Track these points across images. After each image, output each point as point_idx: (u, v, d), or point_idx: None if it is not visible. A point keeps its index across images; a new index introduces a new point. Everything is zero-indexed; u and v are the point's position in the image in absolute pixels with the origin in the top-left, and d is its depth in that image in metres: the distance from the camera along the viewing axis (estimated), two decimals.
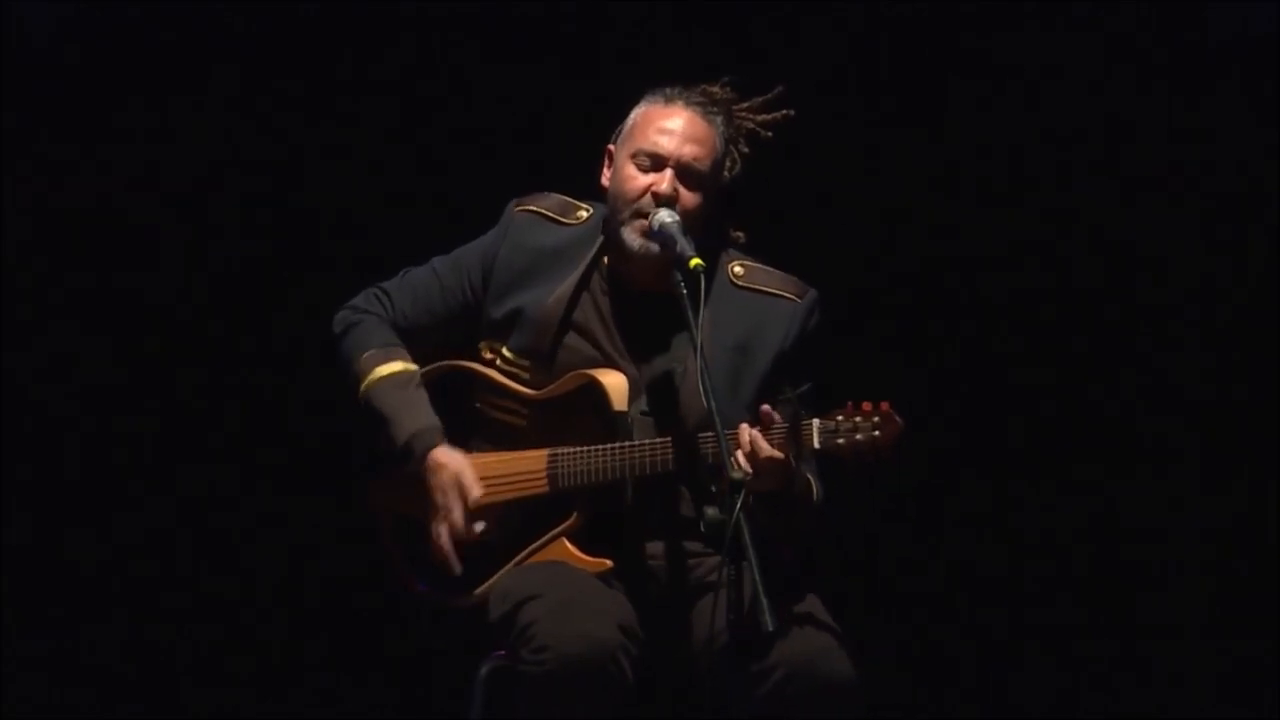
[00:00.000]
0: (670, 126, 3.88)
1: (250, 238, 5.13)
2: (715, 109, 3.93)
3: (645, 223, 3.83)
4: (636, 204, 3.85)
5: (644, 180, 3.86)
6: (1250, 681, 5.04)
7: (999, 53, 5.08)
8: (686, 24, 5.04)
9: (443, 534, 3.86)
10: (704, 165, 3.88)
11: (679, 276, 3.72)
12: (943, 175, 5.11)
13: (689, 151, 3.87)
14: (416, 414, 3.90)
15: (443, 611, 3.95)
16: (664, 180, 3.85)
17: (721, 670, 3.72)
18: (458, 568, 3.85)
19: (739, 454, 3.67)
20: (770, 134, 3.99)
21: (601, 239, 3.96)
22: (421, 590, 3.96)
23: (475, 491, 3.84)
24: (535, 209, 4.01)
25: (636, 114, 3.94)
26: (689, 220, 3.83)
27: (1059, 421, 5.12)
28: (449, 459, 3.87)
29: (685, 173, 3.87)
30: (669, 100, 3.91)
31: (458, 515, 3.84)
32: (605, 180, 3.95)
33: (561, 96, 5.05)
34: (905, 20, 5.08)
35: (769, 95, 4.00)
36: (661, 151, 3.86)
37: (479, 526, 3.86)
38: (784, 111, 4.00)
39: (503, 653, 3.78)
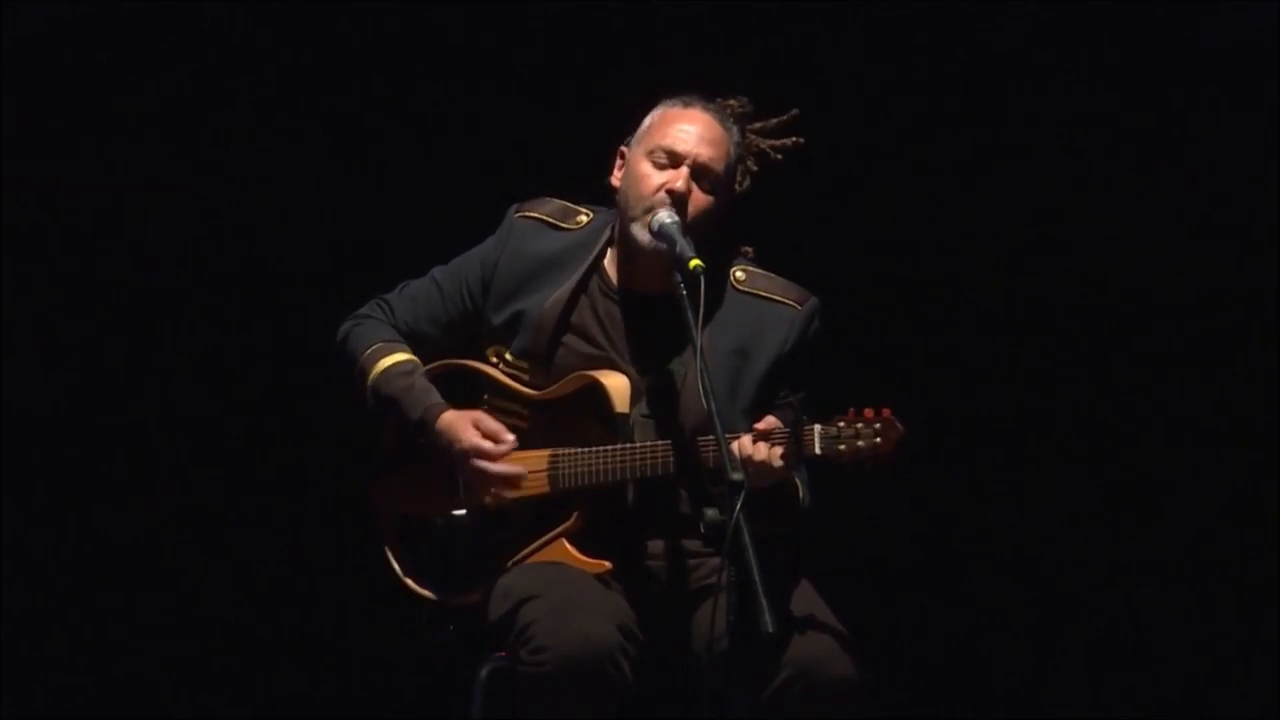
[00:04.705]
0: (688, 127, 3.89)
1: (249, 237, 5.13)
2: (731, 119, 3.94)
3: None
4: (649, 200, 3.85)
5: (659, 178, 3.86)
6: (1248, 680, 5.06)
7: (998, 53, 5.08)
8: (687, 25, 5.04)
9: (481, 464, 3.84)
10: (719, 167, 3.89)
11: (679, 277, 3.72)
12: (941, 175, 5.11)
13: (705, 152, 3.88)
14: (427, 394, 3.91)
15: (443, 611, 3.96)
16: (679, 177, 3.86)
17: (723, 671, 3.72)
18: (524, 471, 3.84)
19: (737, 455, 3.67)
20: (780, 157, 4.00)
21: (602, 243, 3.96)
22: (421, 590, 3.96)
23: (507, 435, 3.84)
24: (535, 215, 4.01)
25: (654, 115, 3.95)
26: (698, 221, 3.84)
27: (1058, 422, 5.14)
28: (463, 413, 3.88)
29: (700, 173, 3.87)
30: (687, 104, 3.93)
31: (486, 445, 3.83)
32: (615, 180, 3.95)
33: (561, 97, 5.05)
34: (905, 20, 5.08)
35: (783, 118, 4.01)
36: (679, 149, 3.87)
37: (510, 437, 3.84)
38: (795, 139, 4.01)
39: (502, 653, 3.78)
